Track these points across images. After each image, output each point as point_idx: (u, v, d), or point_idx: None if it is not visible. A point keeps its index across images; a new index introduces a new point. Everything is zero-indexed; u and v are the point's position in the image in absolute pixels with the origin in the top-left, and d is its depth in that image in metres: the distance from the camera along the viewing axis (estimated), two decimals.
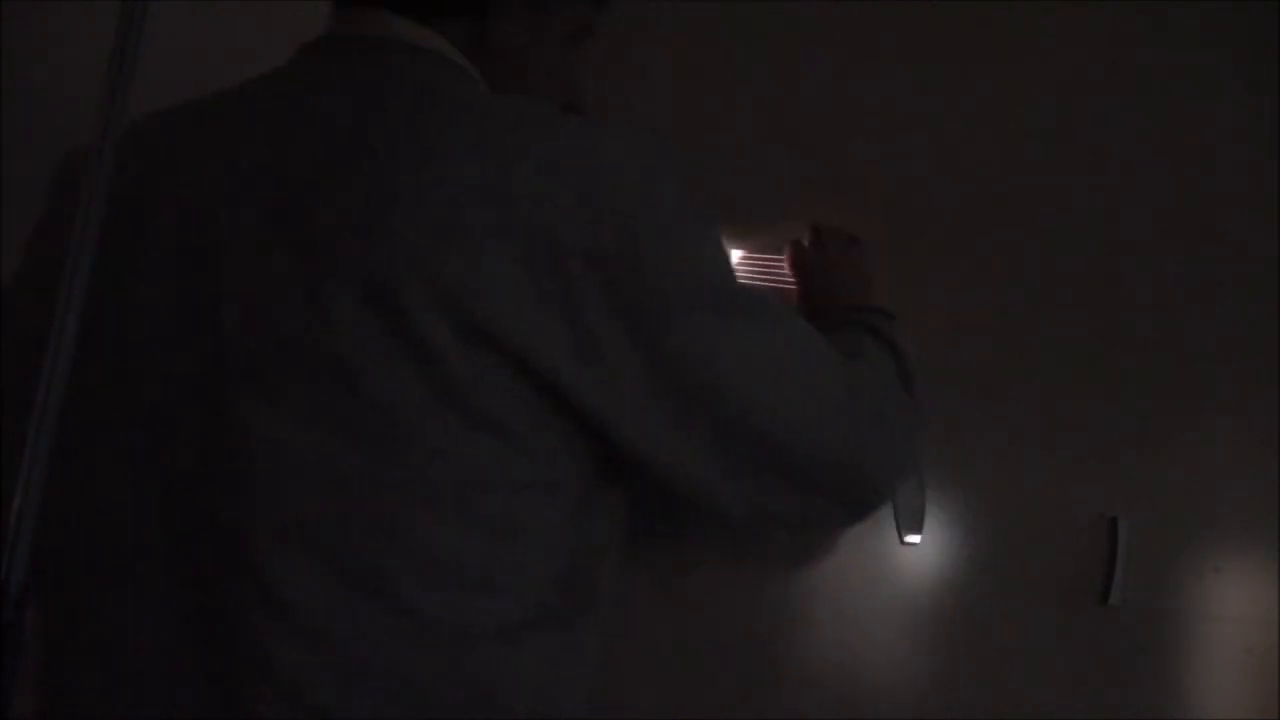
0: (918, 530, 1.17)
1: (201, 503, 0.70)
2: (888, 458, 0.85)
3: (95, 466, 0.74)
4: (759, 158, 1.24)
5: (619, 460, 0.76)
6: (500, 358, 0.67)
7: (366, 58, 0.77)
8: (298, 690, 0.66)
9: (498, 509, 0.70)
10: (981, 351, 1.19)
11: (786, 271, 1.18)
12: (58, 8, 1.14)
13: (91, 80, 1.10)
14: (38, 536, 0.78)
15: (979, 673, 1.14)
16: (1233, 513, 1.17)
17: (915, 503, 1.17)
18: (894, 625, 1.16)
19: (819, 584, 1.16)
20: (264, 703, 0.66)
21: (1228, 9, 1.23)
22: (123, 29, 1.11)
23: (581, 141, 0.71)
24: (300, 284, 0.67)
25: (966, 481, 1.18)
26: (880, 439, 0.85)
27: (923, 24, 1.24)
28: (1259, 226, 1.21)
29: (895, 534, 1.17)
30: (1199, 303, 1.19)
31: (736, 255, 1.21)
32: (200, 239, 0.73)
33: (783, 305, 0.84)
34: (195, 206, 0.74)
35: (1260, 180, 1.21)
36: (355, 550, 0.67)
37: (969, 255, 1.21)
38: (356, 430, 0.67)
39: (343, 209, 0.68)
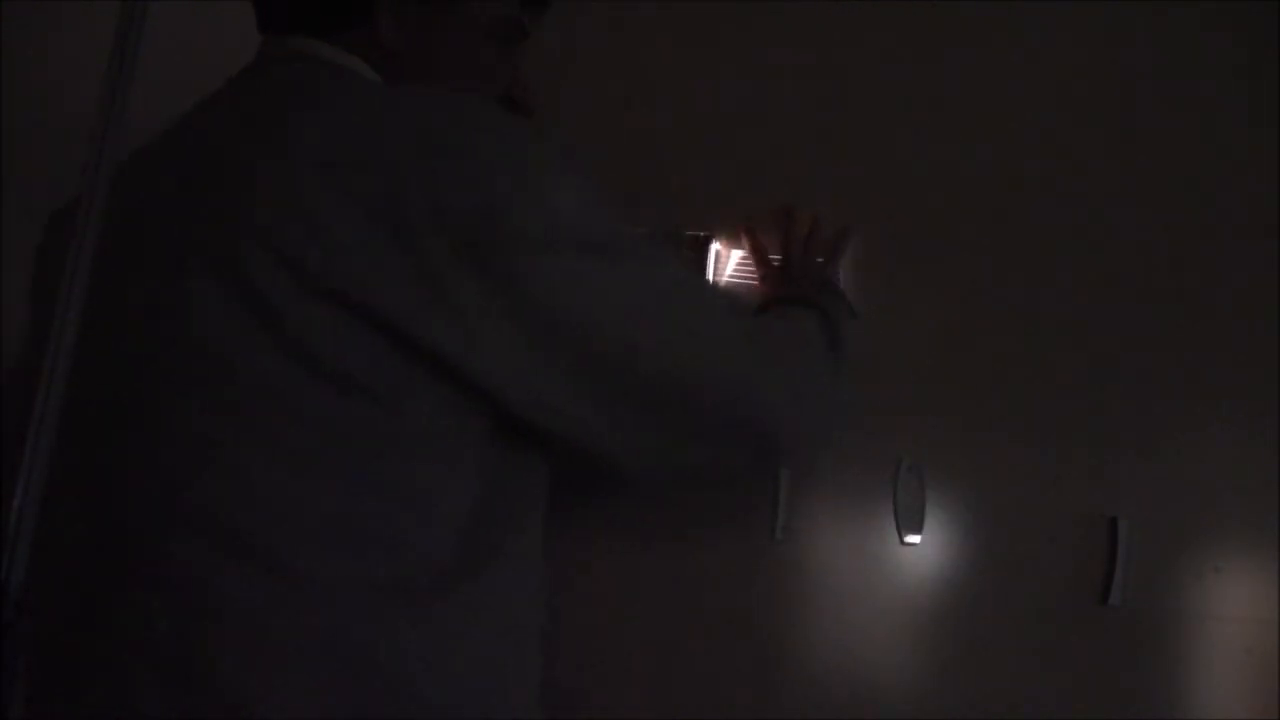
0: (918, 530, 1.17)
1: (110, 487, 0.73)
2: (789, 402, 0.84)
3: (76, 466, 0.77)
4: (759, 158, 1.24)
5: (513, 421, 0.75)
6: (350, 315, 0.68)
7: (255, 73, 0.83)
8: (185, 667, 0.67)
9: (369, 467, 0.70)
10: (981, 351, 1.19)
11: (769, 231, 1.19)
12: (58, 8, 1.14)
13: (91, 80, 1.11)
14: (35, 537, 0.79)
15: (979, 673, 1.14)
16: (1233, 513, 1.17)
17: (915, 503, 1.17)
18: (894, 625, 1.16)
19: (819, 584, 1.16)
20: (149, 685, 0.68)
21: (1228, 9, 1.23)
22: (123, 29, 1.11)
23: (426, 109, 0.73)
24: (168, 268, 0.72)
25: (966, 481, 1.18)
26: (779, 383, 0.83)
27: (923, 24, 1.24)
28: (1259, 226, 1.21)
29: (895, 534, 1.17)
30: (1199, 303, 1.19)
31: (736, 255, 1.21)
32: (120, 248, 0.76)
33: (667, 250, 0.83)
34: (125, 218, 0.79)
35: (1260, 180, 1.21)
36: (229, 516, 0.68)
37: (969, 255, 1.21)
38: (226, 400, 0.69)
39: (209, 203, 0.72)
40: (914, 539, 1.17)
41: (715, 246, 1.21)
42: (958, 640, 1.15)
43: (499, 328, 0.70)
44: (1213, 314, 1.19)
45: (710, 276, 0.92)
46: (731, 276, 1.21)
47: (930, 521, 1.17)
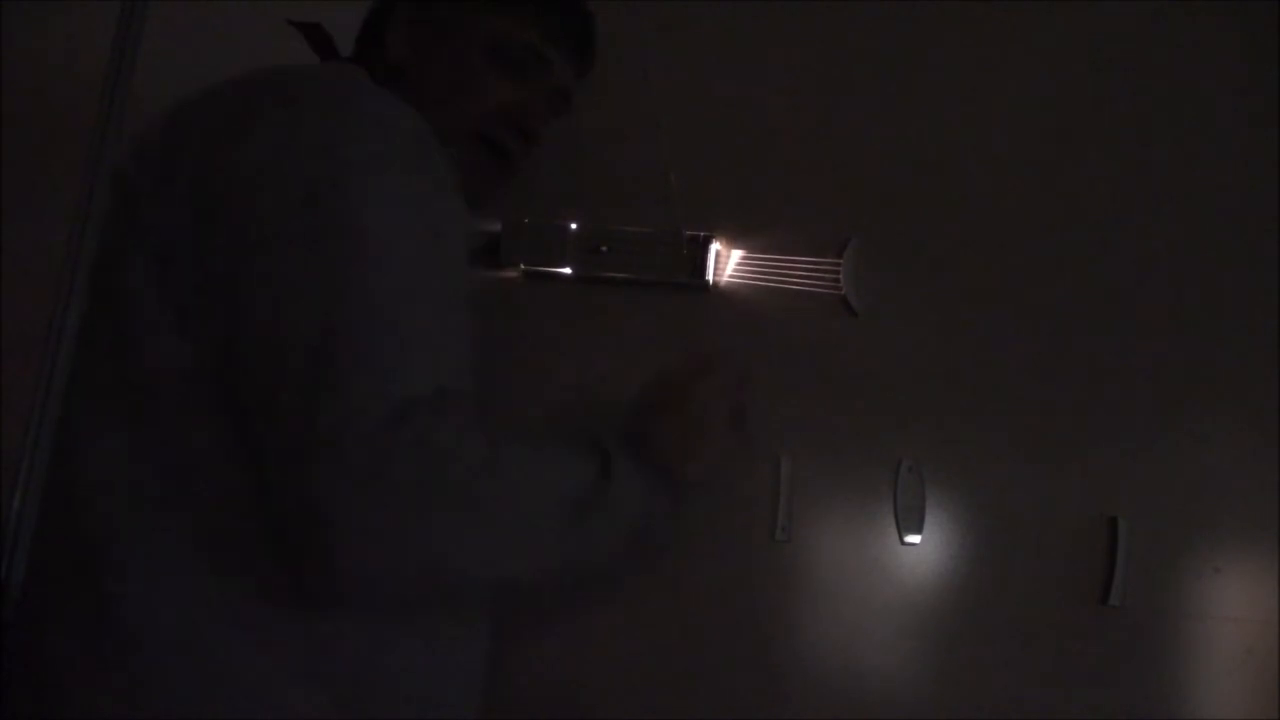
0: (918, 530, 1.17)
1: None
2: (390, 558, 0.62)
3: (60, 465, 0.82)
4: (758, 157, 1.24)
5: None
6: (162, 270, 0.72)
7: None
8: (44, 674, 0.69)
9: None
10: (981, 351, 1.19)
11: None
12: (58, 8, 1.14)
13: (92, 79, 1.11)
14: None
15: (979, 672, 1.14)
16: (1233, 513, 1.17)
17: (915, 503, 1.17)
18: (894, 625, 1.16)
19: (819, 584, 1.16)
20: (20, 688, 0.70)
21: (1228, 9, 1.23)
22: (123, 29, 1.12)
23: (226, 87, 0.77)
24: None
25: (966, 481, 1.18)
26: (400, 533, 0.62)
27: (922, 24, 1.24)
28: (1259, 226, 1.21)
29: (895, 534, 1.17)
30: (1199, 302, 1.19)
31: (736, 255, 1.21)
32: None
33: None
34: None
35: (1260, 180, 1.21)
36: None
37: (969, 255, 1.21)
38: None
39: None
40: (914, 539, 1.17)
41: (715, 247, 1.21)
42: (958, 640, 1.15)
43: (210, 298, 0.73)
44: (1213, 314, 1.19)
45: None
46: (731, 277, 1.21)
47: (930, 521, 1.17)
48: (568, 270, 1.22)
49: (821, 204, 1.22)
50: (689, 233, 1.21)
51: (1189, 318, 1.20)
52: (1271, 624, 1.16)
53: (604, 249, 1.21)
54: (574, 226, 1.22)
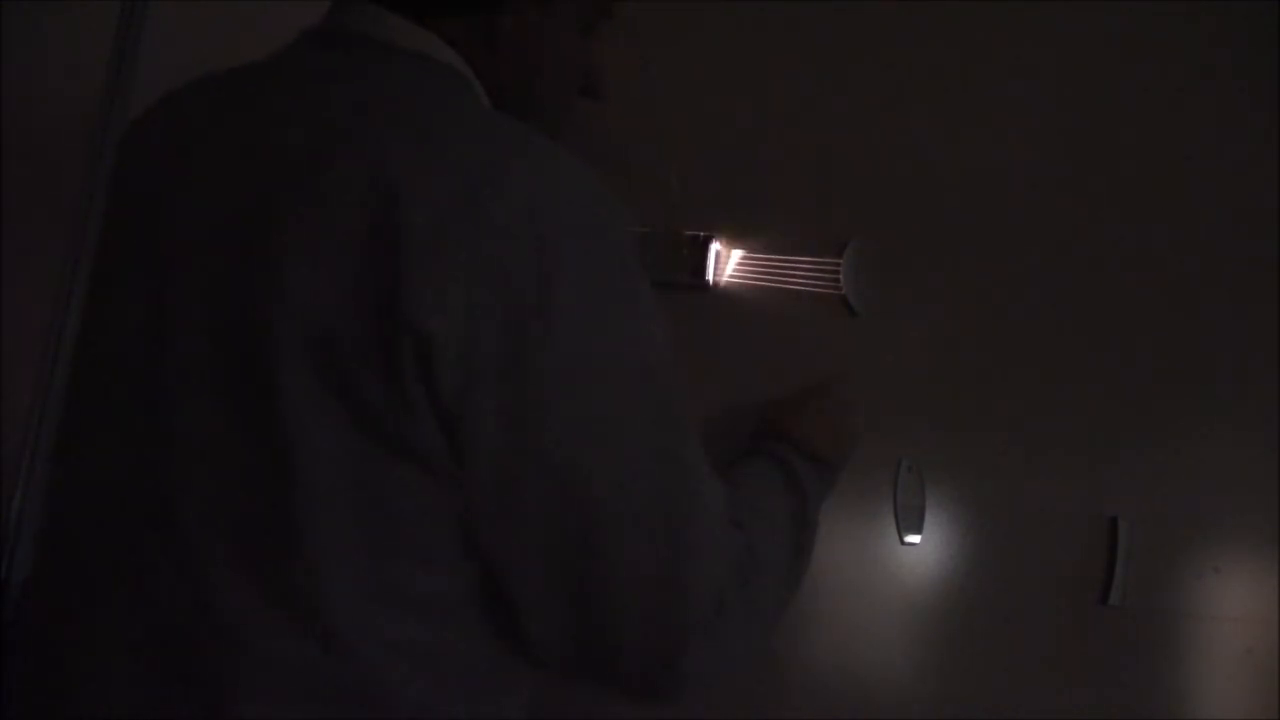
0: (918, 530, 1.17)
1: (143, 504, 0.69)
2: (717, 660, 0.71)
3: (75, 466, 0.75)
4: (758, 157, 1.24)
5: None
6: (415, 352, 0.62)
7: (349, 59, 0.74)
8: (219, 697, 0.64)
9: (404, 535, 0.66)
10: (981, 351, 1.19)
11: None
12: (58, 8, 1.14)
13: (92, 80, 1.11)
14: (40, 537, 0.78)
15: (979, 673, 1.14)
16: (1233, 513, 1.17)
17: (915, 503, 1.17)
18: (894, 625, 1.16)
19: (819, 584, 1.16)
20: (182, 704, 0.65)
21: (1228, 9, 1.23)
22: (123, 29, 1.12)
23: (525, 167, 0.66)
24: (239, 287, 0.65)
25: (966, 481, 1.18)
26: (725, 640, 0.69)
27: (923, 25, 1.24)
28: (1259, 226, 1.21)
29: (895, 534, 1.17)
30: (1199, 303, 1.19)
31: (736, 255, 1.21)
32: (158, 227, 0.72)
33: (681, 407, 0.69)
34: (157, 196, 0.74)
35: (1260, 180, 1.21)
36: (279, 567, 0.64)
37: (969, 254, 1.21)
38: (273, 435, 0.63)
39: (291, 220, 0.64)
40: (914, 539, 1.17)
41: (715, 247, 1.21)
42: (958, 640, 1.15)
43: (500, 437, 0.63)
44: (1213, 314, 1.19)
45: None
46: (731, 277, 1.21)
47: (930, 521, 1.17)
48: None
49: (821, 204, 1.22)
50: (689, 233, 1.21)
51: (1189, 318, 1.19)
52: (1271, 624, 1.16)
53: None
54: None
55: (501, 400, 0.61)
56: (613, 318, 0.66)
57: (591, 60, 0.87)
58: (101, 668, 0.67)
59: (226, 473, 0.64)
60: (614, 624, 0.66)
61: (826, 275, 1.21)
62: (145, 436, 0.68)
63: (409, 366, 0.60)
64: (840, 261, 1.20)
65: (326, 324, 0.61)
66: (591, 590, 0.65)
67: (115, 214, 0.80)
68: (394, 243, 0.61)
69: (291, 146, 0.67)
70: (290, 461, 0.62)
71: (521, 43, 0.78)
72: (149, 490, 0.68)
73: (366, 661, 0.64)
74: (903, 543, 1.17)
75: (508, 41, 0.77)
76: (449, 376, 0.61)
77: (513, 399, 0.62)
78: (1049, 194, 1.22)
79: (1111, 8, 1.23)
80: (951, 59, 1.24)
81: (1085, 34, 1.24)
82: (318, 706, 0.63)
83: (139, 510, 0.68)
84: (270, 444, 0.63)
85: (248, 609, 0.63)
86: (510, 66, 0.79)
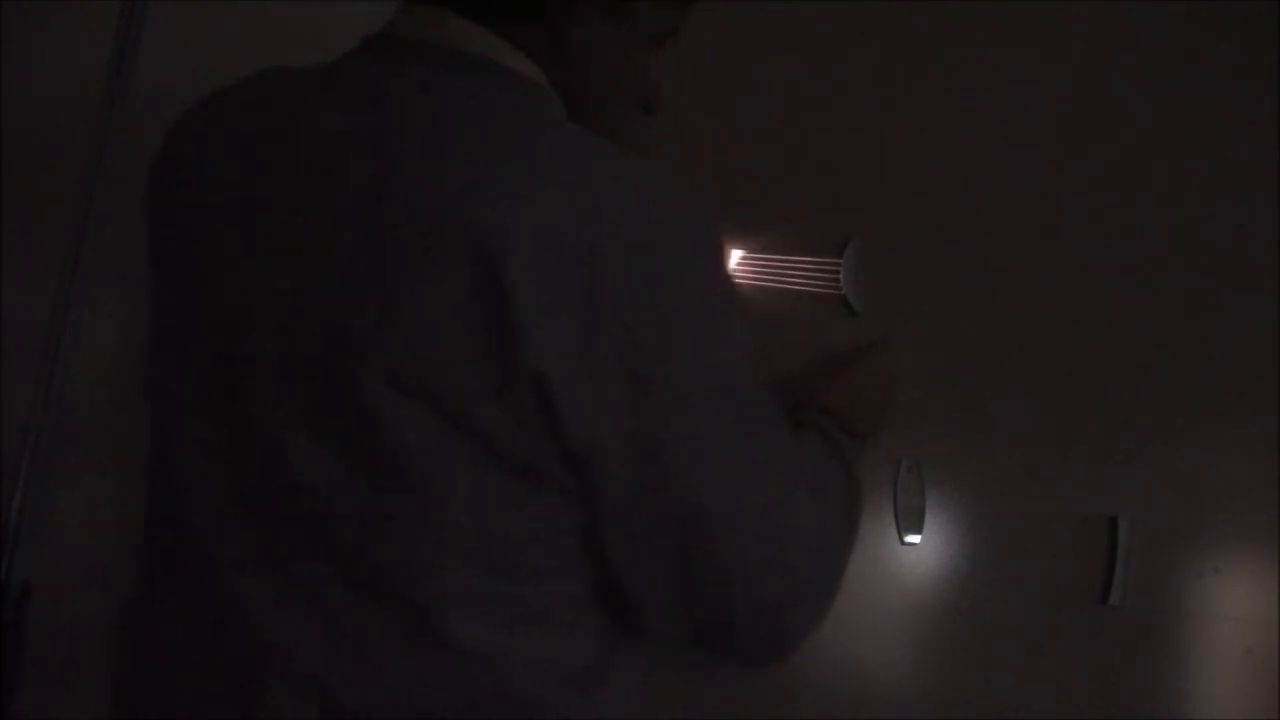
0: (918, 530, 1.17)
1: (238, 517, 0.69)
2: (815, 621, 0.78)
3: (170, 471, 0.74)
4: (759, 158, 1.24)
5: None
6: (530, 394, 0.65)
7: (420, 69, 0.73)
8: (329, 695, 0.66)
9: (524, 549, 0.70)
10: (982, 352, 1.19)
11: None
12: (58, 8, 1.14)
13: (92, 80, 1.11)
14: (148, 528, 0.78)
15: (979, 672, 1.14)
16: (1233, 513, 1.17)
17: (915, 503, 1.17)
18: (894, 625, 1.16)
19: None
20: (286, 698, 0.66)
21: (1228, 9, 1.23)
22: (123, 29, 1.12)
23: (636, 198, 0.67)
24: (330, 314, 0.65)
25: (966, 481, 1.18)
26: (819, 602, 0.77)
27: (923, 25, 1.24)
28: (1259, 226, 1.21)
29: (895, 534, 1.17)
30: (1199, 303, 1.19)
31: (736, 255, 1.21)
32: (234, 238, 0.70)
33: (777, 411, 0.75)
34: (231, 203, 0.73)
35: (1260, 180, 1.21)
36: (397, 588, 0.66)
37: (969, 256, 1.21)
38: (384, 468, 0.65)
39: (379, 232, 0.65)
40: (914, 539, 1.17)
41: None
42: (958, 640, 1.15)
43: (624, 455, 0.66)
44: (1213, 315, 1.19)
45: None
46: (731, 277, 1.21)
47: (930, 521, 1.17)
48: None
49: (821, 204, 1.22)
50: None
51: (1189, 319, 1.20)
52: (1271, 624, 1.16)
53: None
54: None
55: (628, 427, 0.65)
56: (719, 342, 0.70)
57: (653, 74, 0.88)
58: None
59: (343, 512, 0.66)
60: (729, 611, 0.72)
61: (826, 275, 1.21)
62: (242, 471, 0.69)
63: (529, 402, 0.63)
64: (840, 261, 1.20)
65: (441, 366, 0.63)
66: (709, 586, 0.71)
67: (176, 214, 0.77)
68: (501, 284, 0.62)
69: (387, 178, 0.66)
70: (415, 497, 0.65)
71: (592, 55, 0.78)
72: (255, 522, 0.68)
73: (490, 675, 0.67)
74: (903, 543, 1.17)
75: (579, 53, 0.77)
76: (571, 409, 0.63)
77: (638, 426, 0.65)
78: (1049, 195, 1.22)
79: (1111, 8, 1.23)
80: (951, 59, 1.24)
81: (1085, 35, 1.24)
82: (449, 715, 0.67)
83: (242, 538, 0.69)
84: (390, 481, 0.65)
85: (372, 632, 0.66)
86: (579, 78, 0.78)
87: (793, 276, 1.21)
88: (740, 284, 1.21)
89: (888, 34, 1.24)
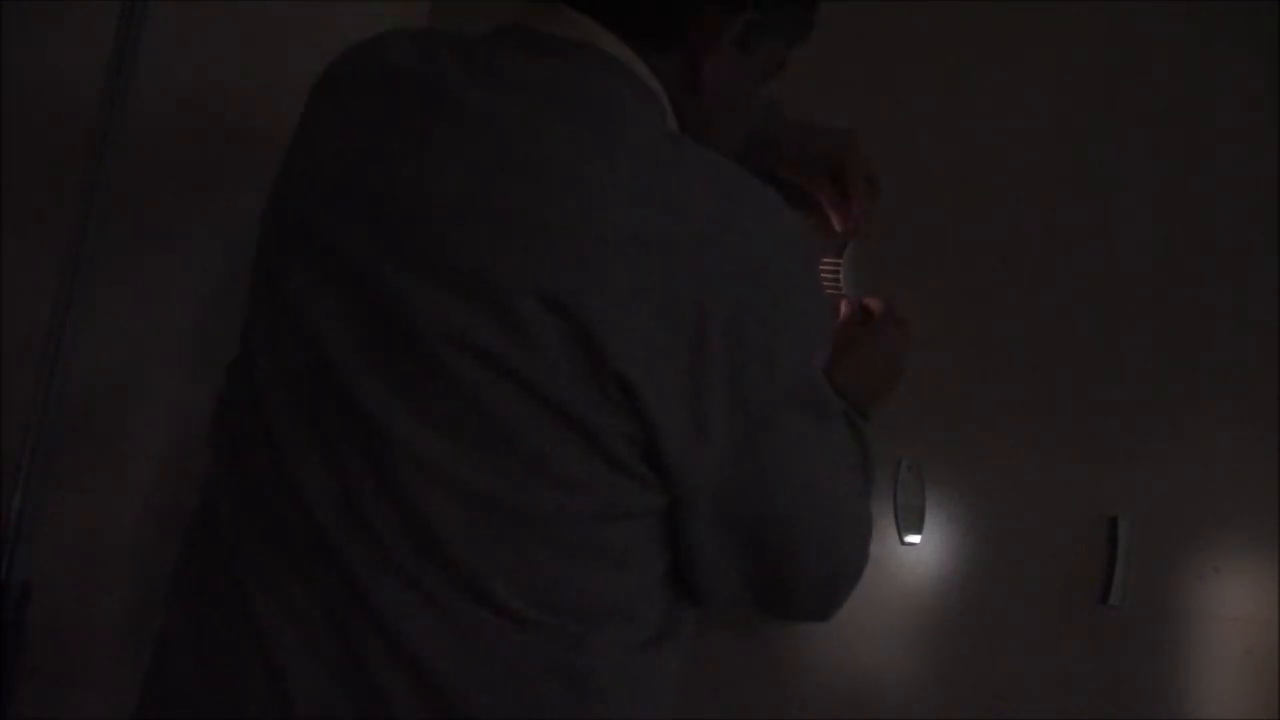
0: (918, 530, 1.17)
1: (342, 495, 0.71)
2: (854, 585, 0.87)
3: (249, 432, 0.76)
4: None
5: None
6: (624, 398, 0.67)
7: (560, 58, 0.75)
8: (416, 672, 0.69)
9: (616, 538, 0.73)
10: (982, 351, 1.19)
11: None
12: (58, 8, 1.14)
13: (92, 80, 1.11)
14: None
15: (979, 672, 1.14)
16: (1233, 513, 1.17)
17: (915, 503, 1.17)
18: (894, 625, 1.16)
19: None
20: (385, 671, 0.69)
21: (1228, 9, 1.23)
22: (123, 29, 1.12)
23: (754, 217, 0.71)
24: (467, 285, 0.67)
25: (966, 481, 1.18)
26: (858, 570, 0.87)
27: (923, 24, 1.24)
28: (1259, 226, 1.21)
29: (895, 534, 1.17)
30: (1199, 303, 1.19)
31: None
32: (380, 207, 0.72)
33: (840, 410, 0.83)
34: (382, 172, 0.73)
35: (1260, 180, 1.21)
36: (476, 568, 0.69)
37: (969, 255, 1.21)
38: (494, 451, 0.68)
39: (507, 217, 0.67)
40: (914, 539, 1.17)
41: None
42: (958, 640, 1.15)
43: (723, 458, 0.71)
44: (1213, 314, 1.19)
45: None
46: None
47: (930, 521, 1.17)
48: None
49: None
50: None
51: (1189, 318, 1.20)
52: (1271, 624, 1.16)
53: None
54: None
55: (726, 434, 0.69)
56: (813, 357, 0.75)
57: (758, 107, 0.91)
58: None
59: (463, 497, 0.69)
60: (790, 588, 0.81)
61: (826, 275, 1.21)
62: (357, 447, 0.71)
63: (617, 401, 0.66)
64: (840, 262, 1.20)
65: (563, 380, 0.66)
66: (777, 570, 0.78)
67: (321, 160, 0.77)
68: (603, 285, 0.65)
69: (536, 163, 0.68)
70: (530, 486, 0.68)
71: (719, 86, 0.80)
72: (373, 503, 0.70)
73: (577, 653, 0.72)
74: (903, 543, 1.17)
75: (708, 83, 0.79)
76: (667, 416, 0.67)
77: (736, 433, 0.70)
78: (1049, 195, 1.22)
79: (1112, 8, 1.23)
80: (951, 59, 1.24)
81: (1085, 34, 1.24)
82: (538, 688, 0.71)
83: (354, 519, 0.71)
84: (509, 473, 0.68)
85: (492, 603, 0.69)
86: (703, 106, 0.81)
87: None
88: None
89: (887, 34, 1.24)
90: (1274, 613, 1.16)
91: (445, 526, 0.69)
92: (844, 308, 1.12)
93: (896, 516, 1.17)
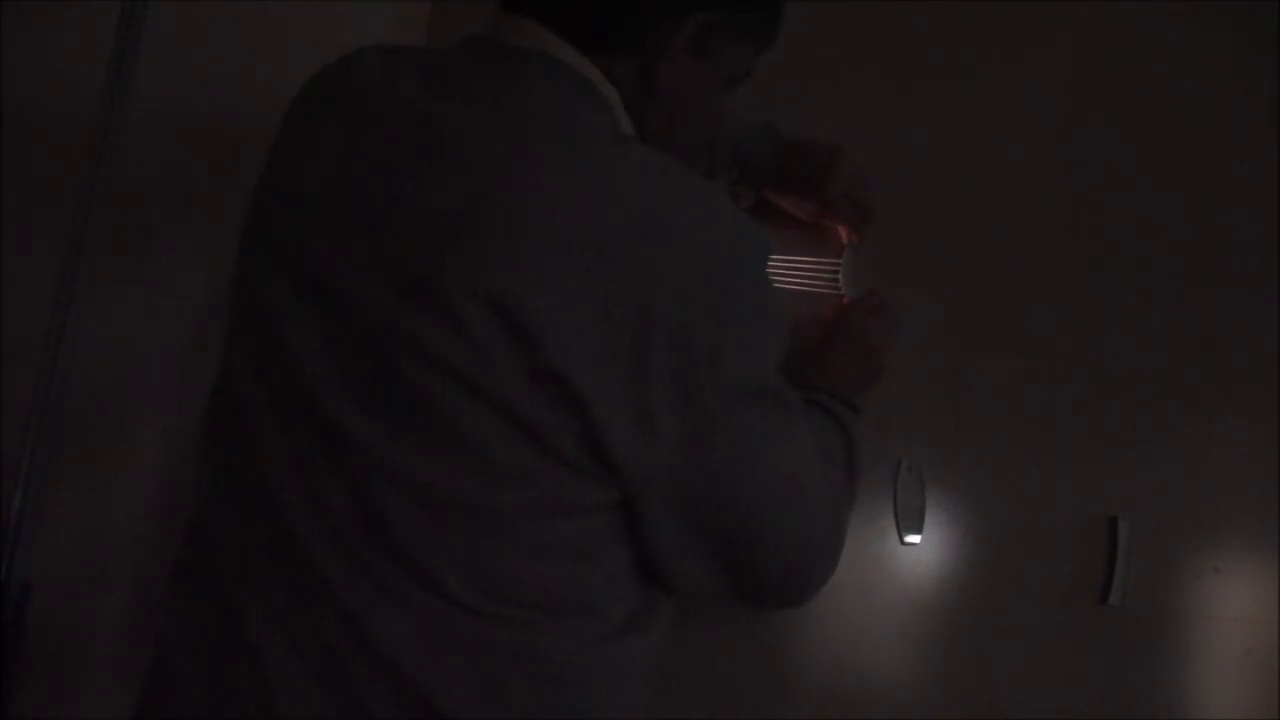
0: (918, 530, 1.17)
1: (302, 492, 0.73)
2: (828, 574, 0.88)
3: (230, 424, 0.79)
4: None
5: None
6: (566, 396, 0.68)
7: (510, 69, 0.77)
8: (396, 670, 0.70)
9: (571, 533, 0.73)
10: (981, 351, 1.19)
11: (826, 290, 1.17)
12: (58, 8, 1.14)
13: (92, 80, 1.11)
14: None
15: (979, 673, 1.14)
16: (1233, 513, 1.17)
17: (915, 503, 1.17)
18: (894, 625, 1.16)
19: None
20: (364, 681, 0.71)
21: (1228, 9, 1.23)
22: (123, 29, 1.11)
23: (697, 214, 0.71)
24: (407, 285, 0.69)
25: (966, 481, 1.18)
26: (832, 559, 0.87)
27: (923, 25, 1.24)
28: (1259, 226, 1.21)
29: (895, 534, 1.17)
30: (1199, 302, 1.19)
31: None
32: (322, 213, 0.75)
33: (801, 405, 0.82)
34: (329, 175, 0.76)
35: (1260, 180, 1.21)
36: (429, 560, 0.71)
37: (969, 255, 1.21)
38: (442, 448, 0.69)
39: (452, 221, 0.69)
40: (914, 539, 1.17)
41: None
42: (958, 640, 1.15)
43: (673, 453, 0.71)
44: (1213, 314, 1.19)
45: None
46: None
47: (930, 521, 1.17)
48: None
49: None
50: None
51: (1189, 318, 1.20)
52: (1271, 624, 1.16)
53: None
54: None
55: (679, 429, 0.70)
56: (764, 349, 0.75)
57: (722, 114, 0.92)
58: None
59: (390, 477, 0.70)
60: (760, 576, 0.81)
61: (826, 275, 1.21)
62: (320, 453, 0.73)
63: (555, 399, 0.67)
64: (840, 262, 1.20)
65: (506, 379, 0.67)
66: (744, 559, 0.79)
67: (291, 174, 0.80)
68: (544, 284, 0.66)
69: (488, 173, 0.70)
70: (479, 483, 0.70)
71: (675, 90, 0.81)
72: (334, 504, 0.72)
73: (537, 644, 0.73)
74: (903, 543, 1.17)
75: (663, 87, 0.80)
76: (607, 413, 0.68)
77: (688, 427, 0.71)
78: (1049, 195, 1.22)
79: (1111, 9, 1.23)
80: (951, 60, 1.24)
81: (1085, 35, 1.24)
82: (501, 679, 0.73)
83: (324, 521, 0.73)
84: (458, 471, 0.70)
85: (448, 597, 0.71)
86: (658, 111, 0.82)
87: (793, 276, 1.21)
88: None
89: (886, 35, 1.24)
90: (1274, 613, 1.16)
91: (401, 523, 0.70)
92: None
93: (896, 516, 1.17)
